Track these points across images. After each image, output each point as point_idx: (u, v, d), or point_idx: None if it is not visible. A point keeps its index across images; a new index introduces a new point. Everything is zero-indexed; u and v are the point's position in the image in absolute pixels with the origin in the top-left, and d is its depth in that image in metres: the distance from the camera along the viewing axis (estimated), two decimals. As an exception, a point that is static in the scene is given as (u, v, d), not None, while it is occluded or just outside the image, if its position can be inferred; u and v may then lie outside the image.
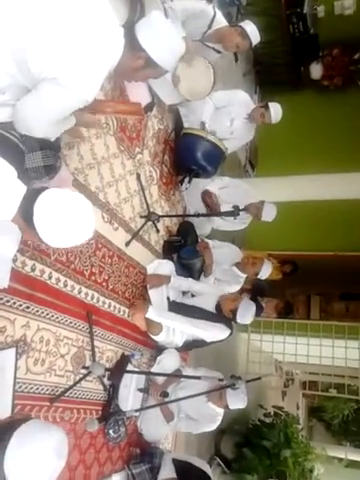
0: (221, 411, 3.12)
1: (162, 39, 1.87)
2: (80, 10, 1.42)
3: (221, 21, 3.16)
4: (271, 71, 5.74)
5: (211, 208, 3.67)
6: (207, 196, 3.70)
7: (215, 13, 3.11)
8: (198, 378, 2.70)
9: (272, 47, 5.07)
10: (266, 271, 3.57)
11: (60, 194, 1.41)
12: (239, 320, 3.15)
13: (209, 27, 3.15)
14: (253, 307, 3.21)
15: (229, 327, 3.26)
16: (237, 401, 3.00)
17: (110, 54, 1.54)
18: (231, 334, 3.29)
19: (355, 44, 5.70)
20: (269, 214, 3.55)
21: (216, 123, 3.57)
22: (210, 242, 3.77)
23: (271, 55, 5.18)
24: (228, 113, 3.60)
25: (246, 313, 3.15)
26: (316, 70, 5.93)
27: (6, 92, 1.48)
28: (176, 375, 3.02)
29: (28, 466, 1.39)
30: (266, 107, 3.51)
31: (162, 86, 3.17)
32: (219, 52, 3.31)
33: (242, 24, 3.15)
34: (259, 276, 3.60)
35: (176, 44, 1.98)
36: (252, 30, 3.12)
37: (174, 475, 2.80)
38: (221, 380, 2.67)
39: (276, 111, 3.51)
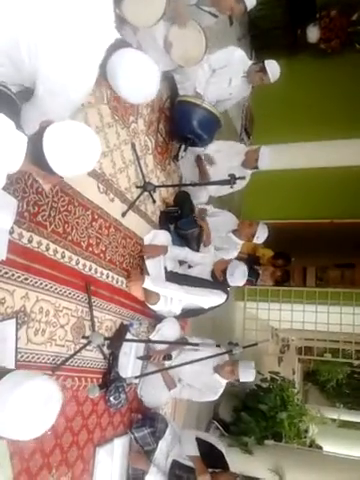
0: (224, 382, 3.22)
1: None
2: (75, 6, 1.43)
3: (216, -18, 3.04)
4: (267, 35, 5.55)
5: (203, 174, 3.64)
6: (199, 162, 3.67)
7: (209, -27, 2.99)
8: (196, 345, 2.76)
9: (268, 9, 4.90)
10: (262, 233, 3.58)
11: (63, 125, 1.44)
12: (229, 280, 3.20)
13: (204, -11, 3.03)
14: (242, 267, 3.25)
15: (225, 292, 3.31)
16: (248, 375, 3.13)
17: (99, 48, 1.54)
18: (227, 299, 3.34)
19: (353, 4, 5.51)
20: (266, 160, 3.54)
21: (214, 85, 3.50)
22: (207, 208, 3.78)
23: (267, 18, 5.01)
24: (226, 73, 3.52)
25: (234, 272, 3.19)
26: (313, 33, 5.75)
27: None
28: (175, 342, 3.07)
29: (14, 415, 1.42)
30: (263, 70, 3.43)
31: (155, 53, 3.07)
32: (215, 16, 3.20)
33: None
34: (255, 240, 3.61)
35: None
36: None
37: (198, 454, 2.92)
38: (218, 346, 2.73)
39: (273, 71, 3.43)
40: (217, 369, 3.17)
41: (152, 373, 2.80)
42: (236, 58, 3.55)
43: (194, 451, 2.95)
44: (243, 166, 3.63)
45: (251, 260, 5.37)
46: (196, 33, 3.05)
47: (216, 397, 3.28)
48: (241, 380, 3.15)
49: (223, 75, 3.53)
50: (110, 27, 1.56)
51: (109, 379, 2.63)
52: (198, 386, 3.23)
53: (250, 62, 3.62)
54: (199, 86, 3.35)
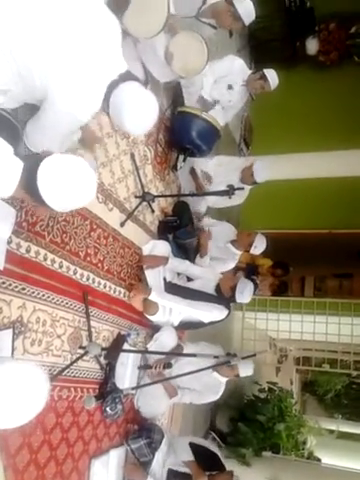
0: (224, 381, 3.20)
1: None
2: (85, 31, 1.47)
3: (216, -5, 3.08)
4: (266, 47, 5.61)
5: (198, 186, 3.66)
6: (193, 175, 3.69)
7: (209, -14, 3.03)
8: (194, 356, 2.75)
9: (267, 22, 4.96)
10: (260, 243, 3.58)
11: (61, 159, 1.43)
12: (238, 298, 3.24)
13: (203, 2, 3.07)
14: (250, 285, 3.30)
15: (227, 307, 3.31)
16: (247, 369, 3.14)
17: (107, 76, 1.57)
18: (229, 314, 3.34)
19: (352, 17, 5.57)
20: (262, 174, 3.56)
21: (215, 92, 3.55)
22: (206, 219, 3.79)
23: (266, 30, 5.07)
24: (227, 82, 3.58)
25: (244, 290, 3.24)
26: (312, 45, 5.80)
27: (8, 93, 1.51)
28: (172, 353, 3.06)
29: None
30: (264, 78, 3.47)
31: (155, 64, 3.11)
32: (215, 28, 3.24)
33: (235, 2, 3.04)
34: (253, 250, 3.61)
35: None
36: (245, 10, 3.04)
37: (192, 458, 2.90)
38: (217, 357, 2.73)
39: (273, 78, 3.50)
40: (216, 367, 3.15)
41: (150, 384, 2.78)
42: (236, 67, 3.60)
43: (188, 456, 2.93)
44: (242, 182, 3.64)
45: (250, 270, 5.38)
46: (198, 44, 3.08)
47: (217, 397, 3.27)
48: (241, 375, 3.15)
49: (224, 84, 3.57)
50: (119, 57, 1.60)
51: (106, 390, 2.61)
52: (198, 388, 3.21)
53: (249, 71, 3.67)
54: (205, 93, 3.38)
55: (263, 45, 5.62)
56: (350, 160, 4.88)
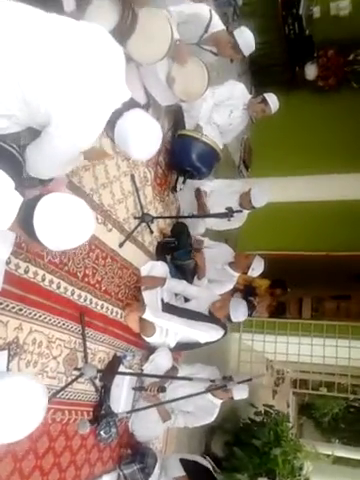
0: (219, 402, 3.17)
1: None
2: (90, 61, 1.49)
3: (217, 25, 3.16)
4: (266, 71, 5.72)
5: (200, 207, 3.68)
6: (198, 195, 3.72)
7: (211, 17, 3.10)
8: (190, 379, 2.73)
9: (268, 48, 5.05)
10: (258, 265, 3.58)
11: (59, 199, 1.43)
12: (233, 317, 3.25)
13: (205, 30, 3.14)
14: (242, 304, 3.29)
15: (223, 327, 3.30)
16: (242, 392, 3.10)
17: (111, 106, 1.59)
18: (225, 335, 3.33)
19: (350, 45, 5.70)
20: (259, 199, 3.58)
21: (216, 115, 3.60)
22: (204, 240, 3.80)
23: (266, 56, 5.16)
24: (228, 106, 3.63)
25: (237, 312, 3.24)
26: (311, 70, 5.92)
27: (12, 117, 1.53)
28: (168, 376, 3.03)
29: None
30: (265, 102, 3.53)
31: (157, 87, 3.17)
32: (216, 54, 3.31)
33: (236, 34, 3.12)
34: (251, 272, 3.61)
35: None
36: (245, 42, 3.11)
37: (184, 473, 2.86)
38: (213, 381, 2.70)
39: (274, 102, 3.56)
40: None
41: (145, 409, 2.75)
42: (237, 92, 3.66)
43: (179, 472, 2.91)
44: (240, 206, 3.66)
45: (248, 291, 5.38)
46: (199, 68, 3.15)
47: (212, 419, 3.23)
48: (235, 398, 3.11)
49: (225, 107, 3.63)
50: (123, 86, 1.62)
51: (100, 413, 2.58)
52: (192, 410, 3.17)
53: (250, 96, 3.73)
54: (202, 119, 3.42)
55: (263, 70, 5.74)
56: (348, 183, 4.92)
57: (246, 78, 5.78)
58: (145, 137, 1.74)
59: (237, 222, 3.72)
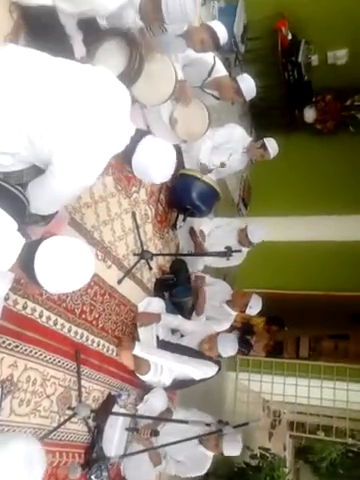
0: (211, 455, 3.07)
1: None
2: (94, 101, 1.54)
3: (221, 70, 3.29)
4: (266, 114, 5.90)
5: (197, 246, 3.72)
6: (192, 234, 3.76)
7: (215, 62, 3.23)
8: (186, 422, 2.67)
9: (268, 92, 5.23)
10: (256, 304, 3.57)
11: (60, 243, 1.43)
12: (224, 355, 3.21)
13: (209, 75, 3.26)
14: (230, 338, 3.27)
15: (217, 363, 3.25)
16: (232, 449, 2.97)
17: (114, 147, 1.63)
18: (220, 370, 3.28)
19: (347, 91, 5.90)
20: (256, 235, 3.64)
21: (215, 157, 3.68)
22: (206, 277, 3.81)
23: (267, 99, 5.33)
24: (227, 149, 3.73)
25: (226, 348, 3.20)
26: (310, 114, 6.11)
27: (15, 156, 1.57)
28: (162, 419, 2.97)
29: None
30: (264, 147, 3.62)
31: (160, 128, 3.25)
32: (217, 98, 3.42)
33: (239, 79, 3.23)
34: (249, 310, 3.59)
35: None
36: (247, 88, 3.21)
37: None
38: (208, 425, 2.64)
39: (273, 147, 3.66)
40: (202, 440, 3.00)
41: (137, 453, 2.68)
42: (237, 135, 3.77)
43: None
44: (239, 244, 3.71)
45: (245, 329, 5.33)
46: (200, 110, 3.25)
47: (203, 471, 3.12)
48: (225, 454, 2.96)
49: (224, 150, 3.73)
50: (128, 127, 1.66)
51: (92, 457, 2.51)
52: (183, 459, 3.07)
53: (250, 139, 3.83)
54: (203, 158, 3.51)
55: (263, 112, 5.91)
56: (346, 225, 4.99)
57: (246, 120, 5.94)
58: (162, 162, 1.78)
59: (236, 260, 3.74)
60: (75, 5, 2.01)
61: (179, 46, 2.94)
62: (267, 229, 3.94)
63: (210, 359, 3.23)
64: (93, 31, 2.34)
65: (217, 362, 3.26)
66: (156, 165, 1.75)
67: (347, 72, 5.45)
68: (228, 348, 3.20)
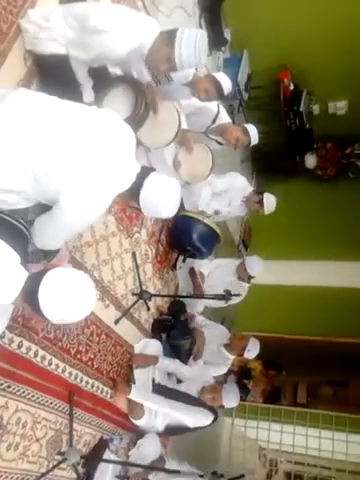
0: None
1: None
2: (99, 141, 1.57)
3: (225, 118, 3.39)
4: (268, 159, 6.05)
5: (196, 287, 3.72)
6: (192, 275, 3.76)
7: (219, 111, 3.34)
8: (178, 472, 2.58)
9: (270, 137, 5.37)
10: (254, 347, 3.51)
11: (63, 274, 1.45)
12: (227, 406, 3.21)
13: (213, 122, 3.37)
14: (234, 389, 3.24)
15: (213, 412, 3.18)
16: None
17: (120, 185, 1.68)
18: (216, 419, 3.20)
19: (347, 139, 6.07)
20: (254, 267, 3.66)
21: (214, 203, 3.74)
22: (201, 319, 3.77)
23: (268, 145, 5.48)
24: (227, 198, 3.81)
25: (230, 399, 3.19)
26: (310, 160, 6.26)
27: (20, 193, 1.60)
28: (155, 468, 2.86)
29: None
30: (261, 203, 3.74)
31: (163, 170, 3.32)
32: (221, 144, 3.51)
33: (245, 125, 3.38)
34: (247, 354, 3.53)
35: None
36: (253, 130, 3.33)
37: None
38: (202, 476, 2.55)
39: (270, 206, 3.77)
40: None
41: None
42: (238, 184, 3.86)
43: None
44: (239, 279, 3.73)
45: (242, 373, 5.23)
46: (204, 153, 3.34)
47: None
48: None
49: (224, 197, 3.81)
50: (132, 165, 1.70)
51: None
52: None
53: (251, 188, 3.92)
54: (201, 205, 3.57)
55: (265, 157, 6.06)
56: (345, 271, 5.01)
57: (248, 164, 6.08)
58: (169, 196, 1.81)
59: (235, 299, 3.73)
60: (87, 51, 2.10)
61: (184, 94, 3.05)
62: (266, 272, 3.94)
63: (207, 407, 3.16)
64: (103, 78, 2.44)
65: (214, 411, 3.19)
66: (163, 199, 1.79)
67: (347, 122, 5.63)
68: (231, 400, 3.19)
